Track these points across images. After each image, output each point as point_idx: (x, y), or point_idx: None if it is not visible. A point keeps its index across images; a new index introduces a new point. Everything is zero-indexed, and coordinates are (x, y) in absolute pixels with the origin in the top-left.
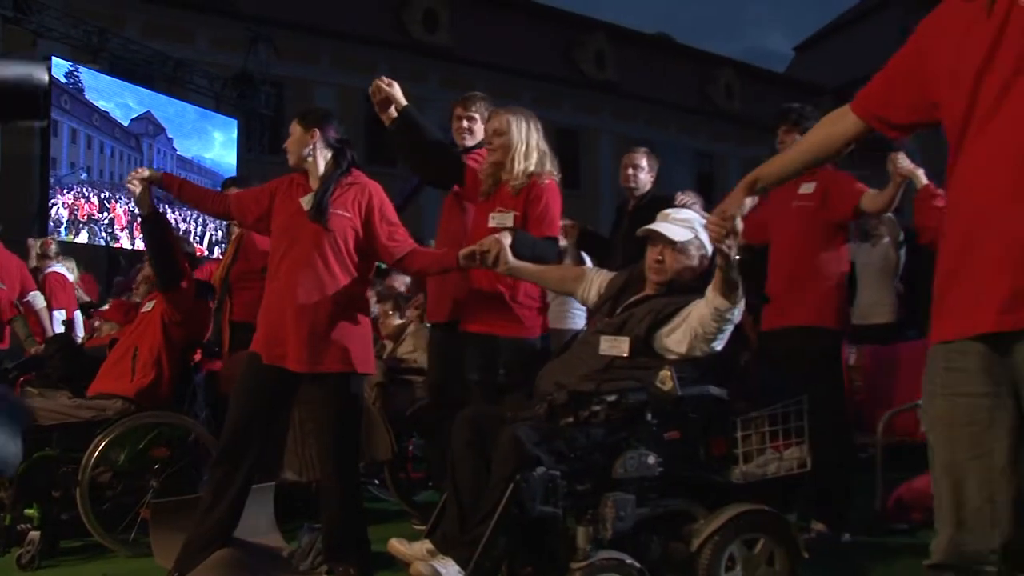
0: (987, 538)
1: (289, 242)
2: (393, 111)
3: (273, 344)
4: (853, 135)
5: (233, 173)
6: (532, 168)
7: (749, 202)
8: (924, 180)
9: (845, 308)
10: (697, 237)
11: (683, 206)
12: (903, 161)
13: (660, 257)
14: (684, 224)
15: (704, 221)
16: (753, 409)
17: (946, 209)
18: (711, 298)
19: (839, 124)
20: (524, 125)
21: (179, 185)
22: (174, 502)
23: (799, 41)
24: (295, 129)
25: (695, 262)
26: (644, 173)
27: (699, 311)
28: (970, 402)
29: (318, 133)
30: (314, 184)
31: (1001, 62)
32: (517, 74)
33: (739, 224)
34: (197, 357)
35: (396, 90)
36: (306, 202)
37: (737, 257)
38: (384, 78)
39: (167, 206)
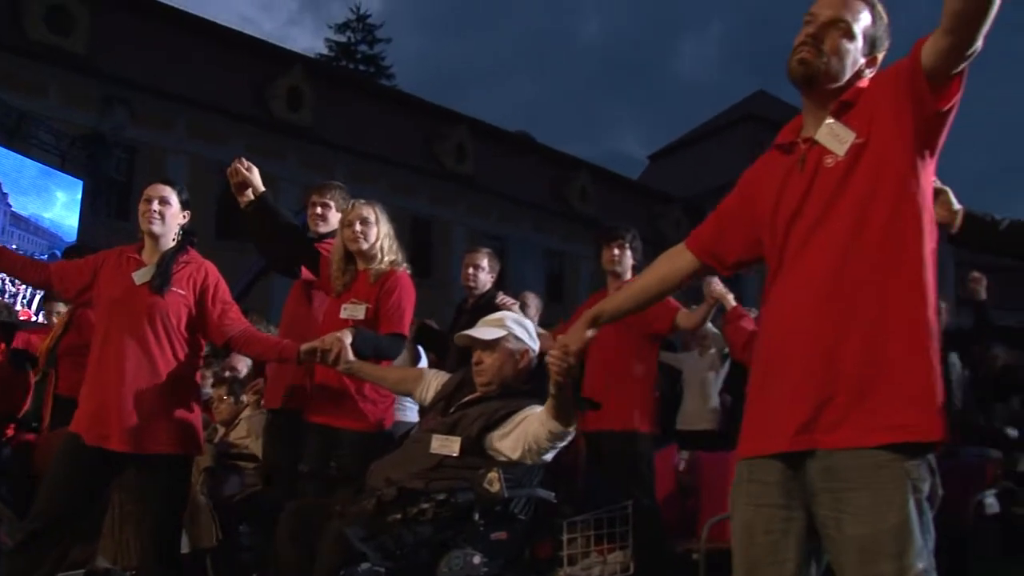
0: None
1: (118, 318)
2: (250, 194)
3: (96, 423)
4: (691, 272)
5: (74, 235)
6: (394, 257)
7: (590, 333)
8: (733, 303)
9: (656, 413)
10: (511, 333)
11: (503, 305)
12: (716, 285)
13: (479, 360)
14: (495, 324)
15: (518, 317)
16: (580, 512)
17: (758, 335)
18: (545, 420)
19: (677, 261)
20: (386, 216)
21: None
22: None
23: (654, 150)
24: (175, 202)
25: (515, 357)
26: (484, 273)
27: (534, 426)
28: (770, 512)
29: (188, 215)
30: (148, 258)
31: (809, 210)
32: (377, 160)
33: (578, 362)
34: (10, 432)
35: (255, 175)
36: (140, 276)
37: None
38: (243, 160)
39: None
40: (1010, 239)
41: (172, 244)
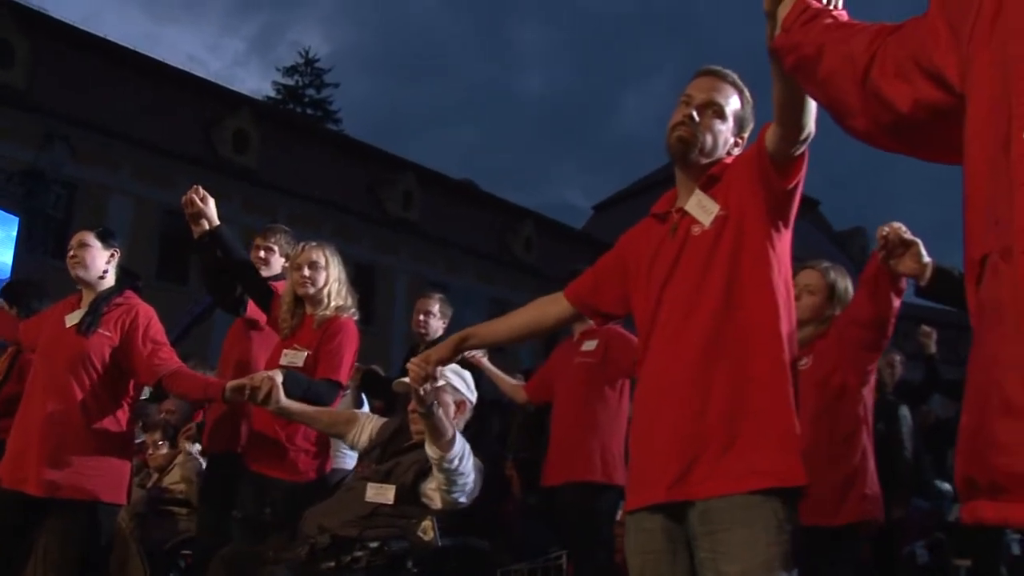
0: None
1: (44, 360)
2: (204, 225)
3: (16, 466)
4: (565, 318)
5: (7, 273)
6: (341, 303)
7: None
8: None
9: (618, 463)
10: (449, 383)
11: (470, 360)
12: None
13: (414, 407)
14: None
15: (456, 367)
16: (516, 561)
17: (636, 394)
18: (427, 448)
19: (553, 307)
20: (338, 260)
21: None
22: None
23: (598, 200)
24: (95, 243)
25: (451, 407)
26: (436, 319)
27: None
28: (656, 557)
29: (118, 254)
30: (85, 304)
31: (679, 275)
32: (321, 204)
33: (439, 372)
34: None
35: (210, 206)
36: (71, 318)
37: (434, 403)
38: (199, 190)
39: None
40: None
41: (105, 283)
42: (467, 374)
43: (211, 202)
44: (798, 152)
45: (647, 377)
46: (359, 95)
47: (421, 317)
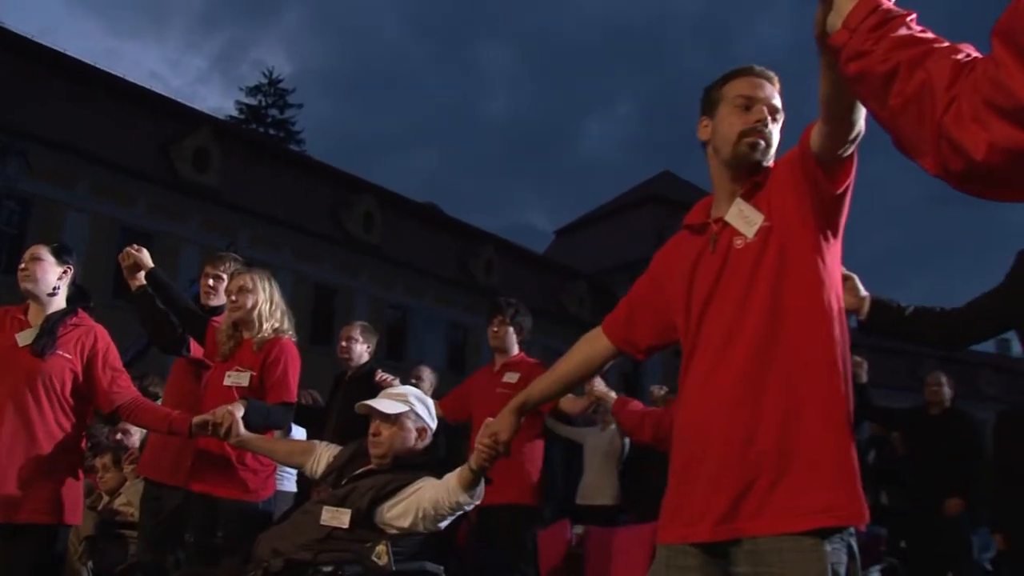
0: None
1: None
2: (141, 277)
3: None
4: (608, 357)
5: None
6: (277, 324)
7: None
8: (614, 396)
9: (542, 487)
10: (412, 410)
11: (382, 383)
12: (598, 385)
13: (377, 431)
14: (398, 398)
15: (421, 395)
16: None
17: (677, 419)
18: (454, 490)
19: (597, 346)
20: (267, 284)
21: None
22: None
23: (560, 225)
24: (47, 257)
25: (412, 434)
26: (358, 344)
27: (434, 494)
28: None
29: (71, 271)
30: (34, 320)
31: (722, 292)
32: (282, 225)
33: (508, 450)
34: None
35: (145, 255)
36: (24, 337)
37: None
38: (135, 245)
39: None
40: (916, 326)
41: (55, 300)
42: (429, 401)
43: (145, 252)
44: (847, 153)
45: (689, 403)
46: (322, 115)
47: (344, 343)
